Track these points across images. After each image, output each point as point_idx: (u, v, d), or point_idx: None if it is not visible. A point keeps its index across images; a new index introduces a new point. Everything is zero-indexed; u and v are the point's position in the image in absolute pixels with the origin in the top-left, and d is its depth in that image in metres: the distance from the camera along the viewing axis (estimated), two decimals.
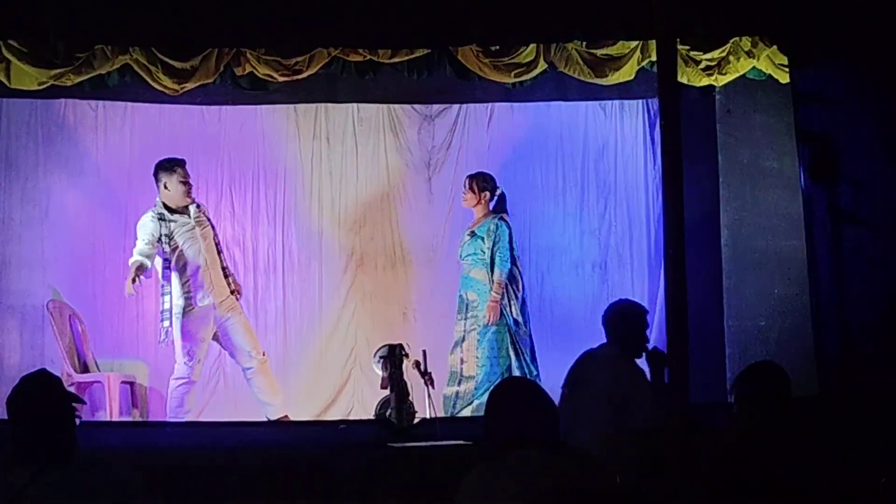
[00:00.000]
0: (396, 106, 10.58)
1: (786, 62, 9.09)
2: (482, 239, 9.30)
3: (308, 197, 10.36)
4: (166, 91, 9.14)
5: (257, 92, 9.67)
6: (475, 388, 9.05)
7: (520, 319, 9.29)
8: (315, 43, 9.03)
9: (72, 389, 8.88)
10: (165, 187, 9.03)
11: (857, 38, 8.72)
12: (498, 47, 9.22)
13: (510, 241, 9.29)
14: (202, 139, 10.41)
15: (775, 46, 9.18)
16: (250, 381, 9.14)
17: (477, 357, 9.02)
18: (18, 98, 9.72)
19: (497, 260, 9.21)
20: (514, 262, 9.30)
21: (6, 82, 8.93)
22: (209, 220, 9.22)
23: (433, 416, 8.22)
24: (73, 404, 4.12)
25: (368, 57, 9.17)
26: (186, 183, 9.08)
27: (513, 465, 3.77)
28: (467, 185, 9.50)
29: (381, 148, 10.57)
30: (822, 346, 8.62)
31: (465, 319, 9.30)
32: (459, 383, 9.04)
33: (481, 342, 9.14)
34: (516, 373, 9.07)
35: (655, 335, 10.03)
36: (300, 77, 9.23)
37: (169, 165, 9.09)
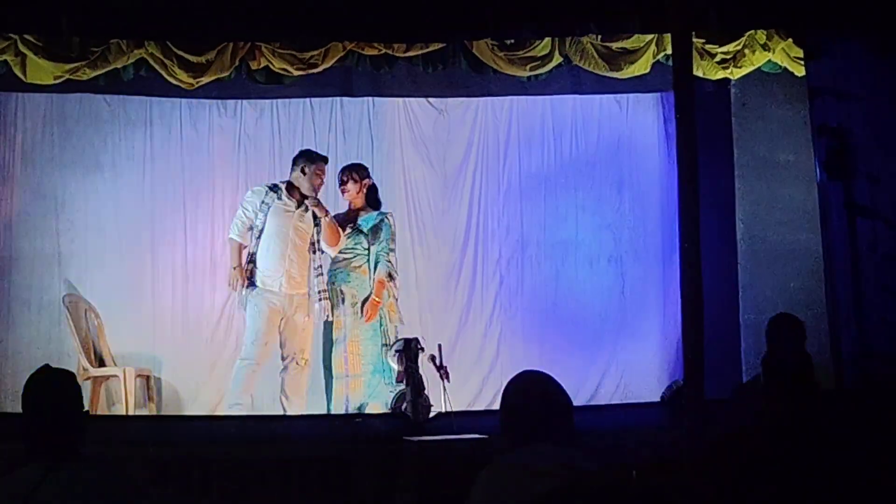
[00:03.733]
0: (412, 100, 10.57)
1: (801, 55, 9.08)
2: (365, 235, 9.13)
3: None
4: (182, 85, 9.14)
5: (272, 86, 9.67)
6: (365, 386, 8.95)
7: (395, 317, 9.16)
8: (330, 37, 9.03)
9: (88, 384, 9.09)
10: (303, 171, 9.13)
11: (873, 31, 8.70)
12: (513, 41, 9.21)
13: (391, 240, 9.19)
14: (217, 133, 10.42)
15: (791, 39, 9.16)
16: (282, 375, 9.11)
17: (361, 355, 8.91)
18: (34, 93, 9.72)
19: (380, 259, 9.08)
20: (391, 260, 9.17)
21: (22, 77, 8.94)
22: (317, 219, 9.14)
23: (448, 409, 8.22)
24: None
25: (384, 51, 9.16)
26: (320, 176, 9.17)
27: (528, 460, 3.77)
28: (346, 177, 9.29)
29: (396, 142, 10.57)
30: (838, 340, 8.61)
31: (346, 316, 9.09)
32: (347, 384, 8.97)
33: (364, 340, 9.03)
34: (388, 371, 8.95)
35: (672, 329, 10.10)
36: (315, 71, 9.22)
37: (315, 156, 9.24)
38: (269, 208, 9.08)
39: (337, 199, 9.61)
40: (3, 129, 10.09)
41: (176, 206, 10.30)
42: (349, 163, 9.56)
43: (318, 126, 10.51)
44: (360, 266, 9.14)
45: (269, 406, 9.21)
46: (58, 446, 3.96)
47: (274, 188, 9.14)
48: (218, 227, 10.19)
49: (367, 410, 8.76)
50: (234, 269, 9.07)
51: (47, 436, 3.98)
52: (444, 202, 10.63)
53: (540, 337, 10.34)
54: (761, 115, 10.03)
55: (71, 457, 3.95)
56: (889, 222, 8.56)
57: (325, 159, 9.27)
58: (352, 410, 8.82)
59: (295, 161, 9.24)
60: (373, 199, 9.34)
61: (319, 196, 9.18)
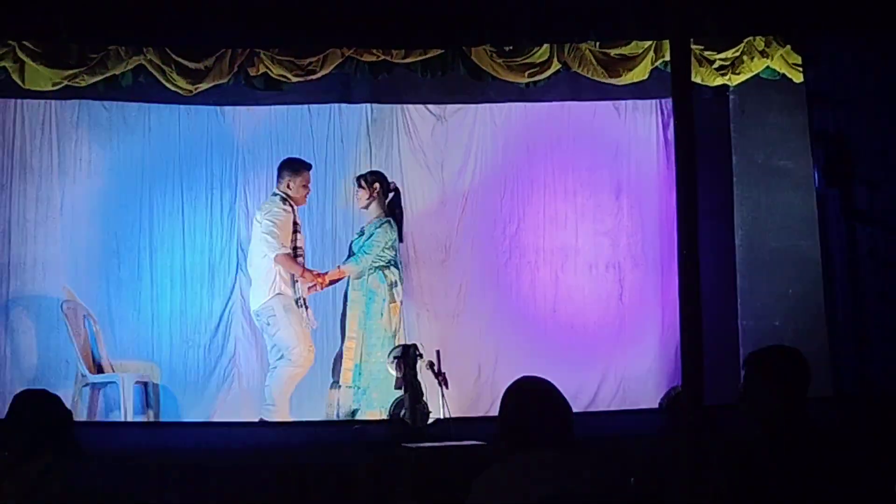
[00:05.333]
0: (410, 106, 10.57)
1: (799, 62, 9.09)
2: (362, 237, 9.26)
3: (322, 197, 10.35)
4: (180, 92, 9.15)
5: (271, 92, 9.67)
6: (353, 394, 8.98)
7: (391, 326, 9.17)
8: (328, 43, 9.03)
9: (86, 390, 9.12)
10: (288, 186, 9.17)
11: (871, 37, 8.71)
12: (511, 47, 9.21)
13: (392, 244, 9.24)
14: (216, 140, 10.42)
15: (789, 46, 9.18)
16: (270, 374, 9.11)
17: (353, 361, 8.94)
18: (33, 99, 9.75)
19: (357, 252, 9.17)
20: (394, 264, 9.22)
21: (20, 83, 8.95)
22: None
23: (447, 416, 8.21)
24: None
25: (382, 57, 9.17)
26: (307, 187, 9.26)
27: (526, 466, 3.76)
28: (357, 185, 9.46)
29: (394, 148, 10.55)
30: (836, 346, 8.60)
31: (349, 320, 9.19)
32: (339, 390, 8.98)
33: (361, 349, 9.03)
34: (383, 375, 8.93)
35: (670, 336, 10.10)
36: (314, 77, 9.24)
37: (299, 166, 9.28)
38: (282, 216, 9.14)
39: (325, 208, 9.69)
40: (2, 136, 10.08)
41: (174, 212, 10.29)
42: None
43: (317, 133, 10.49)
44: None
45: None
46: (62, 443, 4.23)
47: (283, 200, 9.13)
48: (216, 234, 10.21)
49: (358, 417, 8.77)
50: (303, 276, 9.14)
51: (52, 434, 4.23)
52: (443, 208, 10.61)
53: (538, 343, 10.32)
54: (760, 121, 10.04)
55: (75, 453, 4.25)
56: (888, 228, 8.56)
57: (308, 167, 9.30)
58: (342, 417, 8.83)
59: (280, 174, 9.28)
60: (392, 206, 9.46)
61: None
